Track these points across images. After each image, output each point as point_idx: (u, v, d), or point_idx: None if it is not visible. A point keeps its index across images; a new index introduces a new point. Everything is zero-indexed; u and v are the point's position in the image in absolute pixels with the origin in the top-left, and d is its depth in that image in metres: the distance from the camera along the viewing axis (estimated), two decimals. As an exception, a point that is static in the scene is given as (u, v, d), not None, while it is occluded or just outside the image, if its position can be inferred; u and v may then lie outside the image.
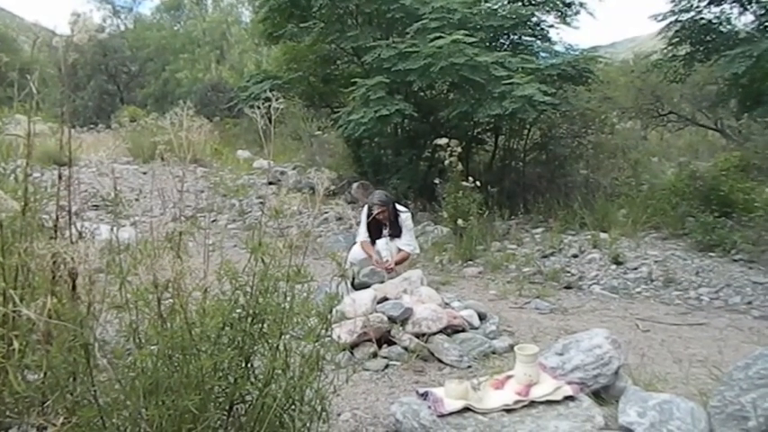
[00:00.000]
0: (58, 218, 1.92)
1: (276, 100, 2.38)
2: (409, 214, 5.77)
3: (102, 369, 1.83)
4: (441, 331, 4.07)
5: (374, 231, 5.58)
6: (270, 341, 2.16)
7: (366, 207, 5.54)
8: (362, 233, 5.60)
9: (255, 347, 2.14)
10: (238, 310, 2.16)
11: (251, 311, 2.16)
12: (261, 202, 9.12)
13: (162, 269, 1.81)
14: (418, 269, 5.45)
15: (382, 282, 4.81)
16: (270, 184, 9.94)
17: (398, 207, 5.71)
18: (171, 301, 1.94)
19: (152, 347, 1.93)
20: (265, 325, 2.17)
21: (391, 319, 4.05)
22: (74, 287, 1.76)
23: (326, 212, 9.06)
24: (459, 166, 7.39)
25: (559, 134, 9.49)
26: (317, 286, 4.29)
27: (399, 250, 5.56)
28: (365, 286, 4.67)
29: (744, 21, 8.22)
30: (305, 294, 2.36)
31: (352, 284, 4.79)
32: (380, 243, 5.55)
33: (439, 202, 8.04)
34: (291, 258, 2.34)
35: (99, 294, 1.85)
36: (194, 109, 2.36)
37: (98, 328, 1.86)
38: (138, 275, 1.91)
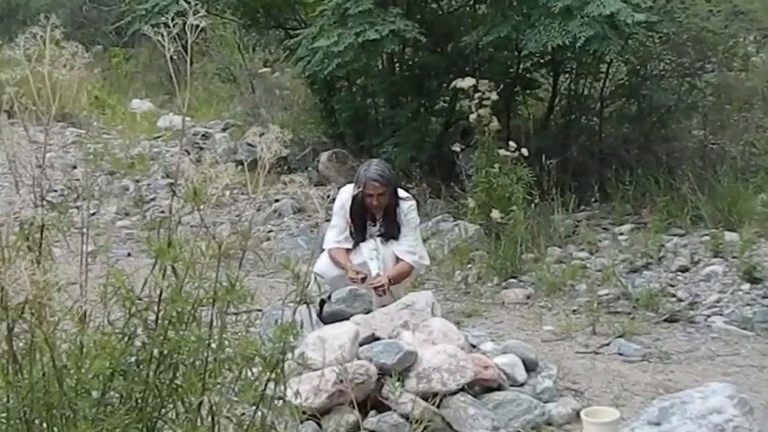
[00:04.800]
0: None
1: (196, 16, 2.43)
2: (414, 204, 5.82)
3: None
4: (463, 389, 4.14)
5: (357, 229, 5.64)
6: (186, 400, 2.23)
7: (345, 190, 5.58)
8: (336, 233, 5.64)
9: (164, 410, 2.21)
10: (136, 350, 2.23)
11: (156, 352, 2.23)
12: (171, 184, 9.15)
13: (13, 282, 1.88)
14: (427, 291, 5.49)
15: (368, 311, 4.86)
16: (186, 153, 9.96)
17: (400, 192, 5.76)
18: (29, 333, 2.00)
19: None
20: (179, 374, 2.23)
21: (383, 370, 4.11)
22: None
23: (278, 199, 9.08)
24: (495, 124, 7.45)
25: (659, 72, 9.55)
26: (262, 315, 4.37)
27: (398, 260, 5.62)
28: (341, 318, 4.73)
29: None
30: (243, 326, 2.43)
31: (320, 314, 4.85)
32: (366, 248, 5.61)
33: (461, 183, 8.08)
34: (221, 270, 2.41)
35: None
36: (62, 31, 2.42)
37: None
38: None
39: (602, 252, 7.31)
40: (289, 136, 2.65)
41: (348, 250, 5.62)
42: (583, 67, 9.40)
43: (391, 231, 5.64)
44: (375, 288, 5.36)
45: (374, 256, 5.55)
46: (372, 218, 5.67)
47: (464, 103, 7.65)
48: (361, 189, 5.43)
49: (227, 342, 2.35)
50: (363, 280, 5.37)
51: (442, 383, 4.10)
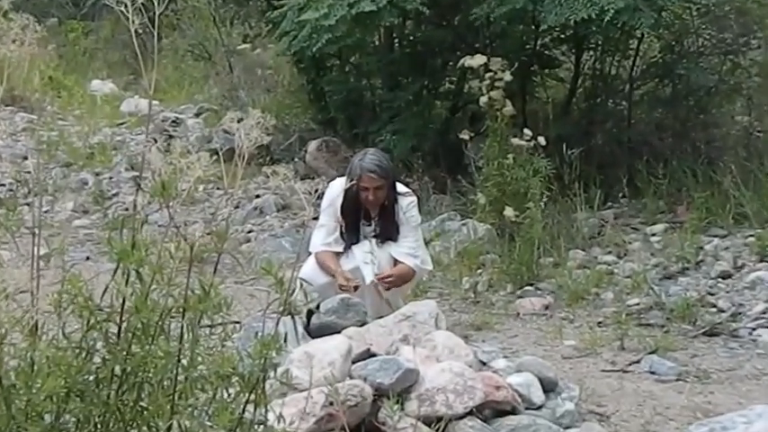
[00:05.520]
0: None
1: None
2: (415, 200, 5.82)
3: None
4: (471, 413, 4.14)
5: (349, 229, 5.63)
6: (153, 424, 2.24)
7: (336, 184, 5.58)
8: (325, 233, 5.64)
9: (127, 436, 2.22)
10: (95, 367, 2.23)
11: (118, 369, 2.23)
12: (136, 177, 9.15)
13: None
14: (430, 300, 5.49)
15: (362, 324, 4.87)
16: (154, 142, 9.97)
17: (399, 187, 5.76)
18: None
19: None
20: (144, 394, 2.24)
21: (379, 391, 4.10)
22: None
23: (259, 195, 9.07)
24: (509, 108, 7.46)
25: (697, 49, 9.56)
26: (240, 327, 4.37)
27: (396, 262, 5.62)
28: (331, 331, 4.73)
29: None
30: (218, 340, 2.44)
31: (307, 327, 4.85)
32: (359, 251, 5.61)
33: (470, 177, 8.09)
34: (193, 276, 2.41)
35: None
36: (10, 1, 2.42)
37: None
38: None
39: (631, 255, 7.33)
40: (272, 122, 2.64)
41: (338, 254, 5.62)
42: (610, 43, 9.41)
43: (388, 232, 5.64)
44: (381, 279, 5.41)
45: (368, 259, 5.53)
46: (367, 216, 5.66)
47: (473, 85, 7.67)
48: (354, 182, 5.41)
49: (199, 358, 2.35)
50: (356, 289, 5.35)
51: (447, 406, 4.11)
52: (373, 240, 5.63)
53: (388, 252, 5.62)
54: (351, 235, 5.65)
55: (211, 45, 13.17)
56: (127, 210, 8.19)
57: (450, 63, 9.19)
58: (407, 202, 5.72)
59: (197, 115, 11.48)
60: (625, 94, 9.59)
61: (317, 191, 2.61)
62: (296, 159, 9.70)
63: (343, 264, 5.58)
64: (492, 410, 4.27)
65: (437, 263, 6.78)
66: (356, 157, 5.69)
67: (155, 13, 2.43)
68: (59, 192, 9.24)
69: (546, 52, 9.65)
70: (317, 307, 5.00)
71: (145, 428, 2.27)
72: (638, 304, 6.52)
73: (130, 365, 2.27)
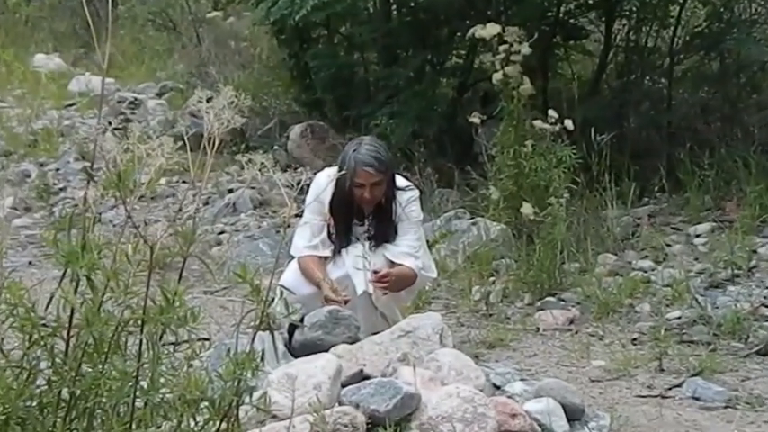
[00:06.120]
0: None
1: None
2: (416, 195, 5.81)
3: None
4: (482, 445, 4.16)
5: (339, 230, 5.63)
6: (107, 457, 2.24)
7: (323, 176, 5.58)
8: (310, 234, 5.63)
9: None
10: (39, 390, 2.24)
11: (66, 393, 2.23)
12: (87, 168, 9.15)
13: None
14: (434, 312, 5.50)
15: (353, 340, 4.88)
16: (108, 127, 9.95)
17: (398, 180, 5.74)
18: None
19: None
20: (97, 422, 2.24)
21: (374, 419, 4.12)
22: None
23: (233, 189, 9.07)
24: (527, 87, 7.46)
25: (750, 16, 9.57)
26: (210, 344, 4.37)
27: (392, 264, 5.58)
28: (317, 349, 4.74)
29: None
30: (183, 359, 2.45)
31: (289, 344, 4.86)
32: (350, 256, 5.60)
33: (481, 168, 8.09)
34: (154, 283, 2.42)
35: None
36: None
37: None
38: None
39: (671, 260, 7.34)
40: (247, 102, 2.66)
41: (326, 258, 5.62)
42: (647, 9, 9.42)
43: (384, 234, 5.62)
44: (377, 280, 5.36)
45: (360, 265, 5.51)
46: (360, 215, 5.64)
47: (485, 59, 7.66)
48: (348, 177, 5.38)
49: (162, 380, 2.36)
50: (346, 303, 5.29)
51: (454, 437, 4.13)
52: (366, 243, 5.62)
53: (383, 255, 5.59)
54: (341, 237, 5.63)
55: (176, 13, 13.20)
56: (76, 206, 8.17)
57: (458, 33, 9.21)
58: (408, 198, 5.68)
59: (159, 95, 11.48)
60: (664, 70, 9.61)
61: (300, 184, 2.62)
62: (276, 147, 9.70)
63: (331, 271, 5.56)
64: (508, 443, 4.29)
65: (442, 269, 6.77)
66: (349, 147, 5.61)
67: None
68: (-4, 187, 9.23)
69: (571, 21, 9.68)
70: (301, 320, 5.00)
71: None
72: (679, 318, 6.52)
73: (80, 388, 2.27)
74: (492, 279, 7.21)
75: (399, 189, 5.67)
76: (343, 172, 5.31)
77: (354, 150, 5.46)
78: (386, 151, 5.63)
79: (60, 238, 2.38)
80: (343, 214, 5.59)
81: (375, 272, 5.41)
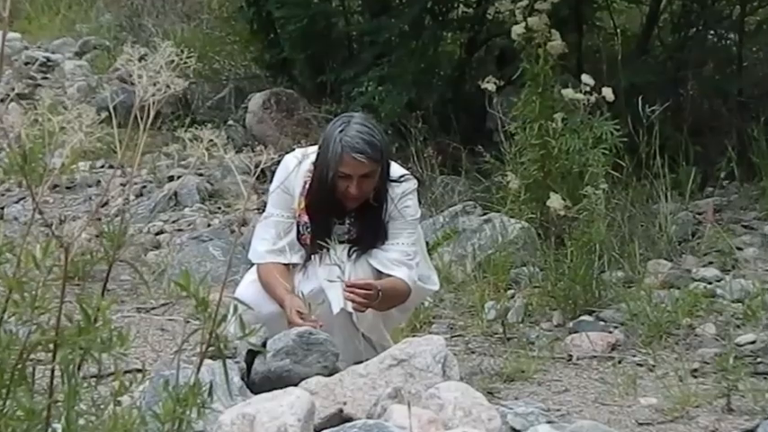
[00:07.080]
0: None
1: None
2: (414, 186, 5.81)
3: None
4: None
5: (316, 229, 5.60)
6: None
7: (291, 159, 5.58)
8: (274, 235, 5.63)
9: None
10: None
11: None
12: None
13: None
14: (436, 335, 5.54)
15: (331, 372, 4.91)
16: (14, 93, 9.98)
17: (394, 169, 5.70)
18: None
19: None
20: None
21: (357, 476, 4.16)
22: None
23: (174, 175, 9.09)
24: (557, 44, 7.49)
25: None
26: (143, 376, 4.39)
27: (380, 275, 5.58)
28: (283, 383, 4.77)
29: None
30: (109, 395, 2.47)
31: (247, 376, 4.88)
32: (325, 263, 5.59)
33: (496, 148, 8.13)
34: (70, 297, 2.45)
35: None
36: None
37: None
38: None
39: (743, 268, 7.39)
40: (193, 63, 2.67)
41: (294, 266, 5.62)
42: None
43: (371, 236, 5.64)
44: (353, 293, 5.32)
45: (335, 276, 5.51)
46: (340, 212, 5.63)
47: (502, 7, 7.71)
48: (331, 164, 5.33)
49: (80, 422, 2.38)
50: (321, 327, 5.23)
51: (459, 499, 4.16)
52: (346, 248, 5.63)
53: (367, 263, 5.62)
54: (315, 240, 5.61)
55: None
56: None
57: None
58: (402, 190, 5.70)
59: (79, 55, 11.51)
60: (733, 22, 9.66)
61: (260, 168, 2.62)
62: (230, 121, 9.75)
63: (301, 283, 5.58)
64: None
65: (446, 280, 6.82)
66: (334, 127, 5.52)
67: None
68: None
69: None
70: (263, 345, 5.02)
71: None
72: (753, 342, 6.57)
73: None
74: (511, 293, 7.25)
75: (393, 180, 5.64)
76: (341, 165, 5.26)
77: (341, 131, 5.40)
78: (381, 134, 5.58)
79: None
80: (319, 211, 5.57)
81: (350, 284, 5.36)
